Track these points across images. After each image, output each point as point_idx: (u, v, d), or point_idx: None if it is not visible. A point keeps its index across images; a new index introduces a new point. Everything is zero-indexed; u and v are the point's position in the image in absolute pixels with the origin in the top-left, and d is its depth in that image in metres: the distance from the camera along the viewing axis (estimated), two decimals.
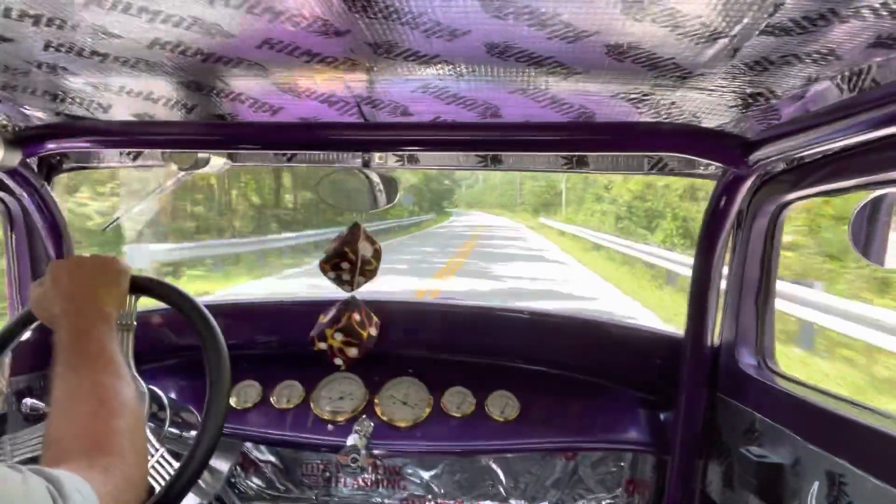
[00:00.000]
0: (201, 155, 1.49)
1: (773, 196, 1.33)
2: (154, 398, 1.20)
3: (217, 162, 1.54)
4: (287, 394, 1.71)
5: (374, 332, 1.66)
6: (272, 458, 1.78)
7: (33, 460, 1.51)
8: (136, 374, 1.10)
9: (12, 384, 1.45)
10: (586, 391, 1.69)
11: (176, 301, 1.08)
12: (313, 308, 1.90)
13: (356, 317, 1.63)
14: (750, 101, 1.06)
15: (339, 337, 1.63)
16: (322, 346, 1.65)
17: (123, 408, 0.77)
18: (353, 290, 1.64)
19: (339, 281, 1.63)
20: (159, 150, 1.58)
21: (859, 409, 1.08)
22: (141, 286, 1.10)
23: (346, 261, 1.60)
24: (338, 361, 1.66)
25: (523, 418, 1.62)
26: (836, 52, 0.83)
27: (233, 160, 1.61)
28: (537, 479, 1.72)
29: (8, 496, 0.53)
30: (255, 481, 1.79)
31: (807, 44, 0.81)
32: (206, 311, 1.06)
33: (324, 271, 1.64)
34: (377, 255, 1.64)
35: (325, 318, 1.64)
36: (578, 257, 17.60)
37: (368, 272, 1.63)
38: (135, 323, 1.09)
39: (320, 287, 1.84)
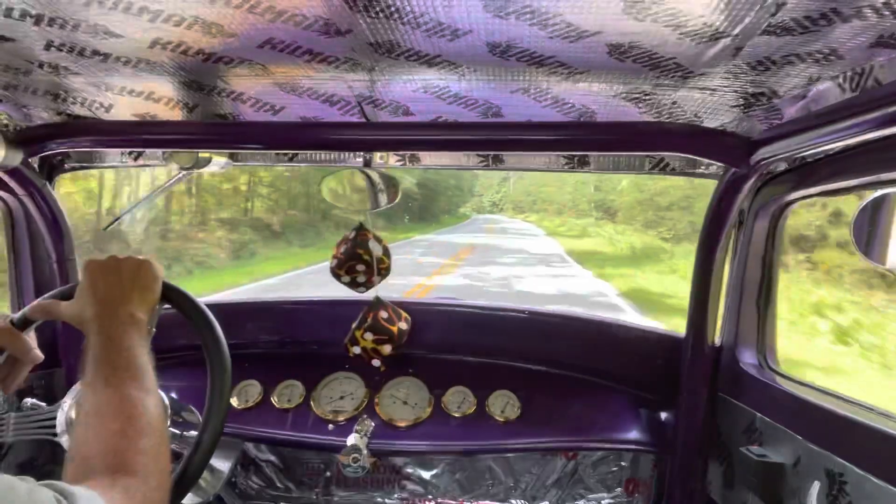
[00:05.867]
0: (202, 154, 1.49)
1: (775, 196, 1.33)
2: None
3: (218, 161, 1.55)
4: (288, 393, 1.71)
5: (404, 326, 1.69)
6: (273, 458, 1.78)
7: (33, 443, 1.51)
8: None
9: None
10: (587, 391, 1.68)
11: (176, 300, 1.08)
12: (314, 308, 1.90)
13: (383, 314, 1.66)
14: (752, 100, 1.06)
15: (369, 336, 1.65)
16: (356, 350, 1.68)
17: (150, 427, 0.77)
18: (367, 291, 1.66)
19: (353, 284, 1.66)
20: (160, 150, 1.58)
21: (860, 409, 1.08)
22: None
23: (362, 262, 1.61)
24: (376, 363, 1.70)
25: (524, 418, 1.62)
26: (838, 52, 0.82)
27: (234, 160, 1.61)
28: (538, 478, 1.72)
29: None
30: (256, 481, 1.79)
31: (809, 43, 0.81)
32: (208, 311, 1.06)
33: (338, 277, 1.65)
34: (387, 252, 1.65)
35: (355, 324, 1.67)
36: None
37: (383, 270, 1.64)
38: (154, 330, 1.05)
39: None
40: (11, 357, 0.99)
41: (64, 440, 1.06)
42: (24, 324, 1.01)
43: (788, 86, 0.97)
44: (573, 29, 0.82)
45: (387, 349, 1.66)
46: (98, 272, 0.95)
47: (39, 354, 1.00)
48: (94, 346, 0.85)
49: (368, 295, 1.68)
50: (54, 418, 1.10)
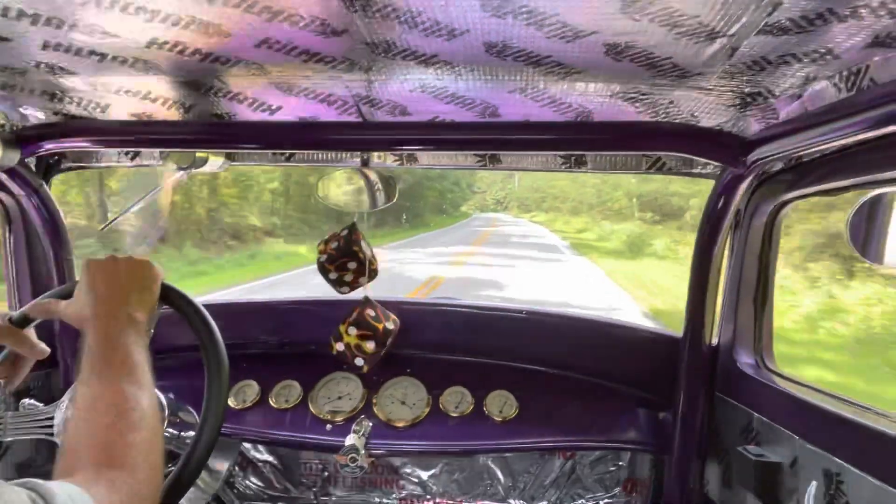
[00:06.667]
0: (199, 154, 1.49)
1: (772, 195, 1.33)
2: None
3: (215, 161, 1.54)
4: (285, 394, 1.71)
5: (391, 326, 1.68)
6: (271, 458, 1.78)
7: (31, 443, 1.51)
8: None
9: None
10: (585, 390, 1.69)
11: (174, 301, 1.08)
12: (312, 308, 1.90)
13: (370, 312, 1.65)
14: (748, 100, 1.06)
15: (353, 332, 1.64)
16: (340, 346, 1.67)
17: (142, 421, 0.76)
18: (350, 291, 1.64)
19: (338, 282, 1.63)
20: (157, 150, 1.58)
21: (857, 409, 1.09)
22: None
23: (355, 260, 1.60)
24: (359, 362, 1.67)
25: (522, 418, 1.62)
26: (833, 52, 0.83)
27: (231, 160, 1.61)
28: (536, 478, 1.72)
29: None
30: (254, 481, 1.79)
31: (805, 43, 0.81)
32: (205, 312, 1.06)
33: (326, 272, 1.63)
34: (374, 256, 1.65)
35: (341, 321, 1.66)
36: None
37: (373, 272, 1.64)
38: (152, 331, 1.04)
39: None
40: (13, 354, 0.99)
41: (61, 440, 1.06)
42: (23, 322, 1.01)
43: (784, 85, 0.98)
44: (570, 29, 0.82)
45: (370, 346, 1.64)
46: (97, 271, 0.95)
47: (45, 348, 1.00)
48: (91, 345, 0.85)
49: (356, 295, 1.68)
50: (52, 418, 1.10)
